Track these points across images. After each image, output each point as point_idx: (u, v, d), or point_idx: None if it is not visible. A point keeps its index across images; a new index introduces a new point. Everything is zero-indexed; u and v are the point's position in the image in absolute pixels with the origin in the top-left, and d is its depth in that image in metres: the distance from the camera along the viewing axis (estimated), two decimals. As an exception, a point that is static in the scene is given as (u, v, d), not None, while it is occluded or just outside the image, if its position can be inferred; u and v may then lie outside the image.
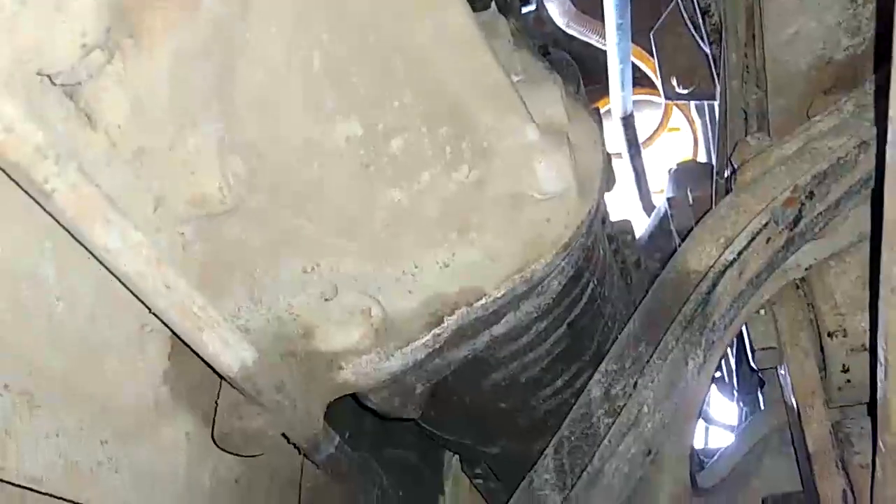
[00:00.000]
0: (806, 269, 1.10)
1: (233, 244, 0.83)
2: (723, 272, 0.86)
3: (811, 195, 0.90)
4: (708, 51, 1.48)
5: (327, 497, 1.01)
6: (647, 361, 0.84)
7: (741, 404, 1.88)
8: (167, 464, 0.89)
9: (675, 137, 3.51)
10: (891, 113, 0.61)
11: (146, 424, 0.86)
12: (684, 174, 1.86)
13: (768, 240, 0.89)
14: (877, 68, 1.05)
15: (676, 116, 3.42)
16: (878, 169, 0.89)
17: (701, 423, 2.38)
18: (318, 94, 0.77)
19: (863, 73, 1.06)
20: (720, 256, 0.86)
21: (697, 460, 1.40)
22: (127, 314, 0.77)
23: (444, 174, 0.86)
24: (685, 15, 1.60)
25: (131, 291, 0.69)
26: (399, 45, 0.77)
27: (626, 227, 1.41)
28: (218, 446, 0.85)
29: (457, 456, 1.30)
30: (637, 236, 2.12)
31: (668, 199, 1.82)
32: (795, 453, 1.27)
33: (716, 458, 1.34)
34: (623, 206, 2.50)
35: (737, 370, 1.85)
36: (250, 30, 0.71)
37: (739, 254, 0.87)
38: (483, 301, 0.86)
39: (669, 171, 2.01)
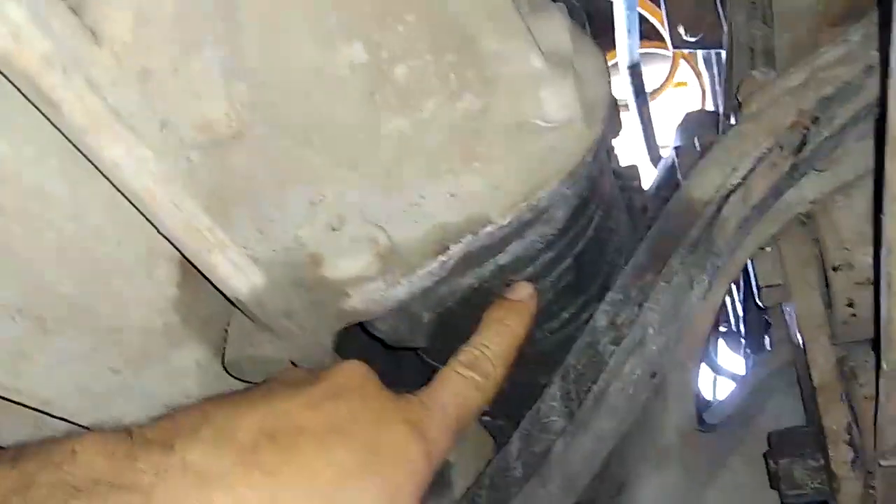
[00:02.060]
0: (811, 203, 1.11)
1: (238, 174, 0.83)
2: (727, 196, 0.86)
3: (816, 120, 0.89)
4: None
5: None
6: (652, 287, 0.84)
7: (748, 351, 1.89)
8: (177, 390, 0.91)
9: (683, 92, 3.49)
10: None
11: (155, 350, 0.87)
12: (692, 122, 1.85)
13: (773, 165, 0.89)
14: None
15: (684, 71, 3.40)
16: (881, 94, 0.89)
17: (709, 374, 2.39)
18: (321, 15, 0.77)
19: (871, 4, 1.05)
20: (725, 181, 0.87)
21: (704, 403, 1.41)
22: (135, 236, 0.77)
23: (449, 102, 0.85)
24: (691, -44, 1.59)
25: (139, 210, 0.70)
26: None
27: (633, 174, 1.41)
28: (228, 372, 0.86)
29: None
30: (647, 186, 2.13)
31: (676, 149, 1.80)
32: (801, 391, 1.28)
33: (723, 398, 1.35)
34: (630, 156, 2.49)
35: (744, 318, 1.85)
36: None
37: (744, 178, 0.87)
38: (489, 228, 0.86)
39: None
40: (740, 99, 1.07)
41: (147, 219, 0.71)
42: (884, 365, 0.83)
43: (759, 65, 1.24)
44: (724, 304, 2.23)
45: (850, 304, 1.15)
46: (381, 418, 0.74)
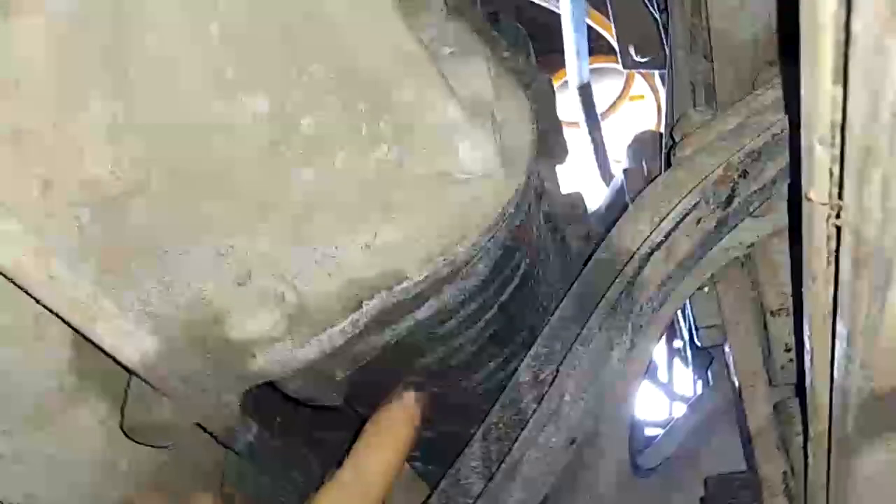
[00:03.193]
0: (748, 247, 1.08)
1: (139, 227, 0.78)
2: (649, 254, 0.83)
3: (745, 174, 0.86)
4: (659, 19, 1.44)
5: (250, 484, 0.98)
6: (570, 348, 0.81)
7: (696, 378, 1.86)
8: (80, 451, 0.86)
9: (639, 106, 3.47)
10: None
11: (52, 412, 0.83)
12: (641, 145, 1.83)
13: (699, 220, 0.86)
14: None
15: (641, 85, 3.38)
16: (792, 163, 0.86)
17: (664, 397, 2.37)
18: (219, 67, 0.72)
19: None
20: (647, 238, 0.83)
21: (645, 442, 1.39)
22: (20, 300, 0.73)
23: (362, 153, 0.82)
24: (636, -17, 1.56)
25: (13, 283, 0.66)
26: (304, 14, 0.73)
27: (576, 201, 1.38)
28: (128, 437, 0.82)
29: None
30: (597, 206, 2.10)
31: (625, 171, 1.78)
32: (740, 432, 1.25)
33: (660, 437, 1.32)
34: (583, 175, 2.46)
35: (691, 344, 1.83)
36: (139, -5, 0.66)
37: (667, 235, 0.84)
38: (404, 284, 0.82)
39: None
40: (676, 138, 1.04)
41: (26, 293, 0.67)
42: (811, 431, 0.80)
43: (700, 100, 1.21)
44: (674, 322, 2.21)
45: (789, 350, 1.12)
46: None
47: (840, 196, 0.49)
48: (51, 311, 0.68)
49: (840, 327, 0.59)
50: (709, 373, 1.53)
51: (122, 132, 0.70)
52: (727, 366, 1.26)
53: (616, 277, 0.82)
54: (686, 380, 2.29)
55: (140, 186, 0.74)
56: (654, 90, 3.25)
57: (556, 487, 1.10)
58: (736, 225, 0.90)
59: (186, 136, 0.75)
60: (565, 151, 1.26)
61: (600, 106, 2.67)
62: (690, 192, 0.85)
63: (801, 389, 0.86)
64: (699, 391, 1.96)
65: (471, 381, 0.99)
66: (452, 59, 0.90)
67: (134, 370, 0.75)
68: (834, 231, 0.54)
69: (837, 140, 0.48)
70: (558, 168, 1.31)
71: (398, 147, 0.83)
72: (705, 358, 1.73)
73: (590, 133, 2.33)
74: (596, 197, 2.05)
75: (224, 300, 0.82)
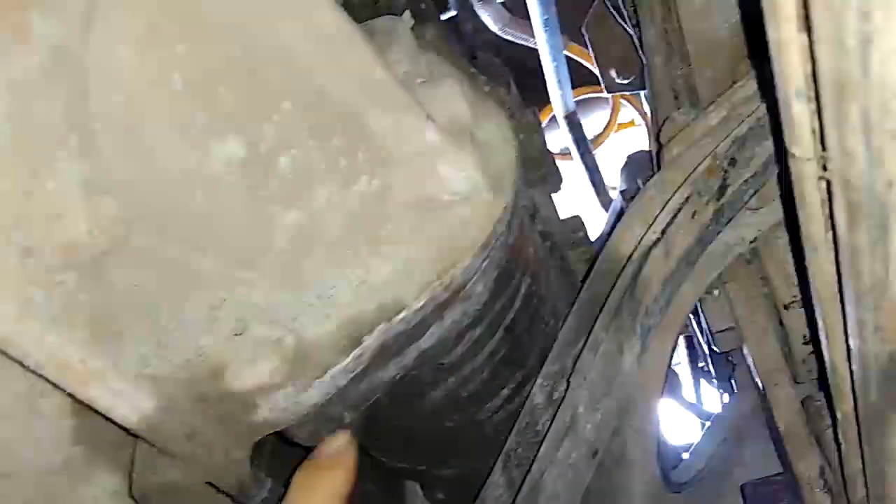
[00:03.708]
0: (751, 243, 1.06)
1: (125, 289, 0.77)
2: (647, 253, 0.81)
3: (733, 162, 0.85)
4: (633, 34, 1.44)
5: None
6: (577, 358, 0.78)
7: (721, 392, 1.83)
8: (92, 528, 0.84)
9: (631, 134, 3.47)
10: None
11: (58, 490, 0.80)
12: (634, 165, 1.81)
13: (694, 213, 0.84)
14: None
15: (631, 111, 3.38)
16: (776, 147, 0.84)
17: (695, 420, 2.33)
18: (186, 116, 0.72)
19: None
20: (643, 237, 0.81)
21: (676, 458, 1.35)
22: (10, 373, 0.71)
23: (343, 188, 0.80)
24: (606, 1, 1.56)
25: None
26: (267, 51, 0.72)
27: (575, 225, 1.36)
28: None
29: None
30: (599, 232, 2.08)
31: (621, 192, 1.77)
32: (771, 435, 1.22)
33: (690, 451, 1.29)
34: (582, 205, 2.45)
35: (711, 357, 1.79)
36: (96, 52, 0.66)
37: (663, 232, 0.82)
38: (403, 314, 0.81)
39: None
40: (662, 142, 1.03)
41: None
42: (838, 414, 0.77)
43: (683, 103, 1.20)
44: (693, 340, 2.18)
45: (807, 342, 1.09)
46: None
47: (823, 146, 0.47)
48: (42, 377, 0.67)
49: (847, 292, 0.56)
50: (732, 381, 1.50)
51: (94, 191, 0.69)
52: (749, 370, 1.23)
53: (617, 280, 0.80)
54: (714, 398, 2.25)
55: (120, 244, 0.73)
56: (643, 114, 3.25)
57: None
58: (733, 216, 0.88)
59: (162, 190, 0.74)
60: (559, 179, 1.25)
61: (590, 136, 2.67)
62: (681, 186, 0.83)
63: (822, 377, 0.83)
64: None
65: (485, 411, 0.96)
66: (425, 86, 0.89)
67: (134, 431, 0.73)
68: (825, 188, 0.52)
69: (812, 89, 0.46)
70: (555, 197, 1.31)
71: (379, 178, 0.82)
72: (729, 369, 1.70)
73: (582, 159, 2.33)
74: (596, 225, 2.04)
75: (221, 353, 0.80)
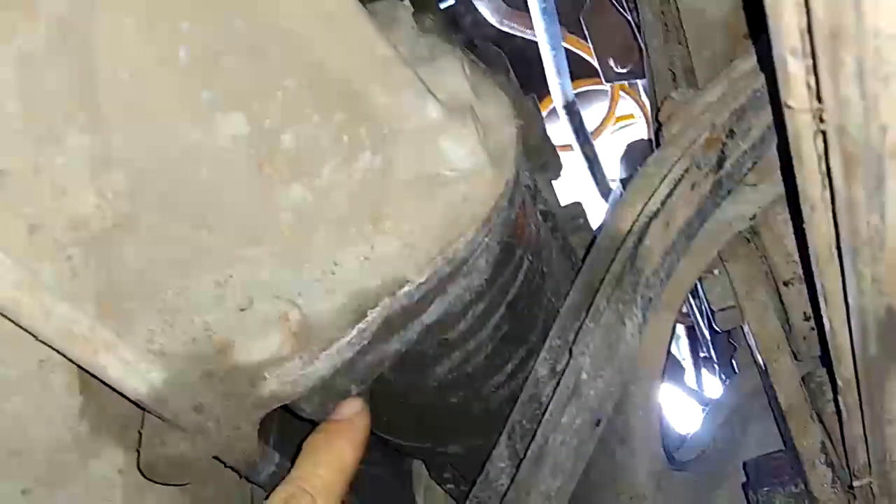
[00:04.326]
0: (751, 219, 1.07)
1: (133, 266, 0.78)
2: (647, 224, 0.82)
3: (731, 133, 0.86)
4: (630, 18, 1.45)
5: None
6: (580, 327, 0.79)
7: (723, 378, 1.84)
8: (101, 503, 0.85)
9: (633, 126, 3.48)
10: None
11: (68, 466, 0.81)
12: (633, 153, 1.83)
13: (693, 185, 0.85)
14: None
15: (630, 104, 3.40)
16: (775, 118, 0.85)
17: (696, 406, 2.34)
18: (192, 91, 0.73)
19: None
20: (643, 208, 0.82)
21: (679, 439, 1.36)
22: (19, 350, 0.72)
23: (346, 164, 0.81)
24: (603, -12, 1.58)
25: (10, 320, 0.65)
26: (270, 27, 0.73)
27: (576, 211, 1.37)
28: (146, 477, 0.80)
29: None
30: (601, 221, 2.09)
31: (621, 181, 1.78)
32: (773, 413, 1.23)
33: (694, 431, 1.30)
34: (581, 194, 2.46)
35: (713, 341, 1.81)
36: (102, 26, 0.67)
37: (663, 203, 0.83)
38: (406, 288, 0.82)
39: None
40: (661, 121, 1.04)
41: (23, 329, 0.66)
42: (839, 381, 0.78)
43: (681, 85, 1.21)
44: (695, 329, 2.19)
45: (808, 318, 1.10)
46: None
47: (819, 99, 0.48)
48: (51, 347, 0.68)
49: (845, 246, 0.57)
50: (733, 362, 1.51)
51: (102, 167, 0.70)
52: (750, 348, 1.24)
53: (617, 251, 0.81)
54: (716, 386, 2.26)
55: (127, 220, 0.74)
56: (642, 106, 3.27)
57: (596, 490, 1.08)
58: (732, 188, 0.89)
59: (168, 166, 0.75)
60: (559, 166, 1.26)
61: (588, 129, 2.68)
62: (680, 159, 0.84)
63: (822, 344, 0.84)
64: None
65: (490, 386, 0.97)
66: (427, 64, 0.90)
67: (142, 403, 0.74)
68: (821, 142, 0.53)
69: (807, 42, 0.47)
70: (555, 186, 1.32)
71: (382, 154, 0.83)
72: (730, 352, 1.71)
73: (581, 149, 2.33)
74: (596, 215, 2.05)
75: (228, 329, 0.81)
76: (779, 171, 1.01)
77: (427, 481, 1.27)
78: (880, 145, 0.46)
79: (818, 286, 0.70)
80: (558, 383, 0.81)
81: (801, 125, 0.52)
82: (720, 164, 0.85)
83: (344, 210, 0.83)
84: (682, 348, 2.51)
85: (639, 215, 0.82)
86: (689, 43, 1.15)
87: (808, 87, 0.50)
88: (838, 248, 0.60)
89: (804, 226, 0.66)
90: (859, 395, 0.74)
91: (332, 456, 0.76)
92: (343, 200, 0.82)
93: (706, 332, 1.85)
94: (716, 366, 1.87)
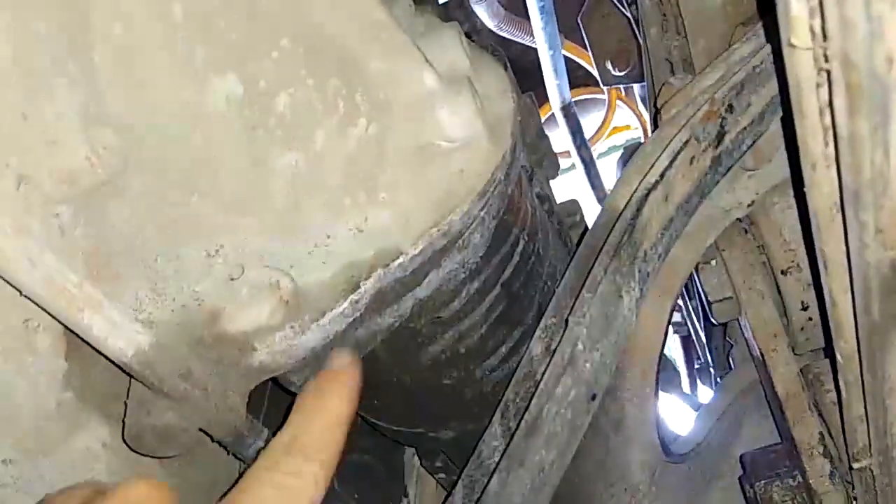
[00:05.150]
0: (749, 206, 1.06)
1: (122, 230, 0.77)
2: (646, 195, 0.81)
3: (730, 108, 0.85)
4: (628, 14, 1.45)
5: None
6: (577, 296, 0.78)
7: (719, 381, 1.82)
8: (85, 477, 0.83)
9: (629, 136, 3.49)
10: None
11: (52, 436, 0.79)
12: (631, 155, 1.82)
13: (692, 159, 0.84)
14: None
15: (627, 114, 3.40)
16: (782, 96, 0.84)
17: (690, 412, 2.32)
18: (186, 48, 0.72)
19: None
20: (642, 180, 0.81)
21: (673, 435, 1.34)
22: (6, 309, 0.71)
23: (341, 131, 0.80)
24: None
25: (-6, 273, 0.63)
26: (266, -14, 0.72)
27: (572, 208, 1.36)
28: (132, 449, 0.79)
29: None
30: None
31: (618, 183, 1.77)
32: (769, 406, 1.21)
33: (691, 425, 1.28)
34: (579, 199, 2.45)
35: (708, 344, 1.79)
36: (96, -22, 0.66)
37: (662, 175, 0.82)
38: (400, 260, 0.80)
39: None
40: (659, 106, 1.03)
41: (6, 281, 0.65)
42: (838, 357, 0.77)
43: (679, 73, 1.20)
44: (691, 338, 2.18)
45: (805, 308, 1.09)
46: None
47: (824, 34, 0.47)
48: (36, 303, 0.66)
49: (847, 195, 0.56)
50: (730, 359, 1.50)
51: (93, 121, 0.69)
52: (747, 341, 1.23)
53: (616, 222, 0.80)
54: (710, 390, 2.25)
55: (118, 180, 0.73)
56: (639, 115, 3.27)
57: (589, 480, 1.06)
58: (731, 166, 0.88)
59: (160, 126, 0.74)
60: (556, 165, 1.25)
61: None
62: (680, 131, 0.83)
63: (825, 331, 0.83)
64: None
65: (484, 368, 0.96)
66: (424, 35, 0.89)
67: (127, 366, 0.72)
68: (825, 89, 0.52)
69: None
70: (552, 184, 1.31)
71: (377, 122, 0.82)
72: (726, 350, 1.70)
73: (578, 153, 2.33)
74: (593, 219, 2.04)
75: (218, 298, 0.79)
76: (776, 157, 1.00)
77: (419, 471, 1.25)
78: (886, 77, 0.45)
79: (819, 255, 0.69)
80: (553, 356, 0.79)
81: (804, 68, 0.51)
82: (719, 139, 0.84)
83: (338, 179, 0.81)
84: (677, 357, 2.50)
85: (637, 187, 0.81)
86: (688, 32, 1.14)
87: (812, 25, 0.49)
88: (841, 205, 0.59)
89: (805, 190, 0.65)
90: (861, 368, 0.72)
91: (326, 411, 0.72)
92: (337, 168, 0.81)
93: (702, 336, 1.84)
94: (711, 369, 1.86)
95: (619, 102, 3.23)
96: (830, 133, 0.56)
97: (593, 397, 0.77)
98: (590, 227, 1.35)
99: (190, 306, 0.80)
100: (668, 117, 0.98)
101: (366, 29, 0.78)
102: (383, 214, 0.82)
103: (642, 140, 2.99)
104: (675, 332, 2.36)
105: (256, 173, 0.79)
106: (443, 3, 2.28)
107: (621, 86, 2.45)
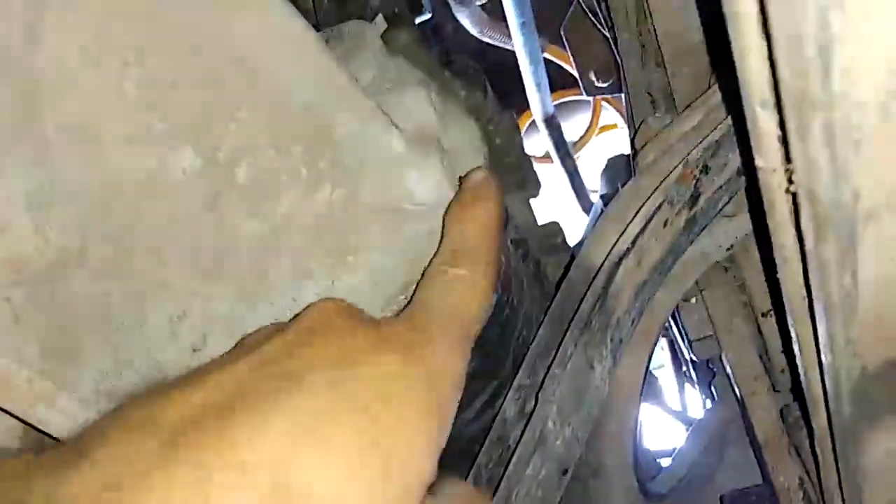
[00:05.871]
0: (728, 250, 1.04)
1: (84, 302, 0.75)
2: (618, 263, 0.79)
3: (706, 169, 0.83)
4: (609, 36, 1.42)
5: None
6: (546, 372, 0.76)
7: (704, 398, 1.81)
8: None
9: (616, 135, 3.46)
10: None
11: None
12: (614, 169, 1.80)
13: (666, 223, 0.82)
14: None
15: (613, 114, 3.37)
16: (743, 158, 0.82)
17: (679, 425, 2.32)
18: (141, 124, 0.69)
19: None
20: (614, 247, 0.80)
21: (656, 468, 1.33)
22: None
23: (306, 196, 0.78)
24: (583, 4, 1.55)
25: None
26: (224, 58, 0.70)
27: (552, 231, 1.34)
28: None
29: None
30: (580, 237, 2.06)
31: (601, 197, 1.75)
32: (751, 443, 1.20)
33: (671, 460, 1.27)
34: (564, 208, 2.44)
35: (694, 365, 1.78)
36: (45, 60, 0.63)
37: (634, 241, 0.80)
38: (368, 327, 0.78)
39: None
40: (636, 147, 1.01)
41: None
42: (814, 427, 0.75)
43: (660, 107, 1.18)
44: (675, 347, 2.16)
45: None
46: (353, 364, 0.55)
47: (789, 159, 0.46)
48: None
49: (817, 306, 0.55)
50: (713, 389, 1.48)
51: (46, 201, 0.67)
52: (728, 378, 1.21)
53: (587, 292, 0.78)
54: (698, 403, 2.24)
55: (75, 256, 0.71)
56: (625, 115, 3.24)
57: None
58: (706, 225, 0.86)
59: (119, 199, 0.72)
60: (537, 184, 1.23)
61: (572, 140, 2.65)
62: (653, 194, 0.82)
63: (797, 388, 0.81)
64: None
65: (458, 422, 0.94)
66: (392, 93, 0.87)
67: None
68: (791, 199, 0.50)
69: (776, 99, 0.44)
70: (535, 203, 1.29)
71: (343, 187, 0.79)
72: (709, 377, 1.69)
73: (562, 164, 2.31)
74: (577, 228, 2.02)
75: (179, 369, 0.78)
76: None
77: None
78: (852, 210, 0.43)
79: (792, 336, 0.67)
80: (526, 426, 0.78)
81: (772, 182, 0.49)
82: (694, 200, 0.82)
83: (304, 243, 0.80)
84: (664, 362, 2.49)
85: (609, 252, 0.79)
86: (668, 64, 1.12)
87: (779, 142, 0.47)
88: (810, 306, 0.57)
89: (777, 275, 0.63)
90: (833, 446, 0.71)
91: (478, 215, 0.71)
92: (302, 235, 0.79)
93: (686, 353, 1.83)
94: (696, 385, 1.85)
95: (604, 104, 3.21)
96: (798, 235, 0.54)
97: (565, 472, 0.76)
98: (572, 244, 1.34)
99: (151, 377, 0.78)
100: (644, 164, 0.96)
101: (329, 95, 0.75)
102: (351, 277, 0.81)
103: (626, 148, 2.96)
104: (663, 335, 2.35)
105: (220, 241, 0.77)
106: (420, 23, 2.25)
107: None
